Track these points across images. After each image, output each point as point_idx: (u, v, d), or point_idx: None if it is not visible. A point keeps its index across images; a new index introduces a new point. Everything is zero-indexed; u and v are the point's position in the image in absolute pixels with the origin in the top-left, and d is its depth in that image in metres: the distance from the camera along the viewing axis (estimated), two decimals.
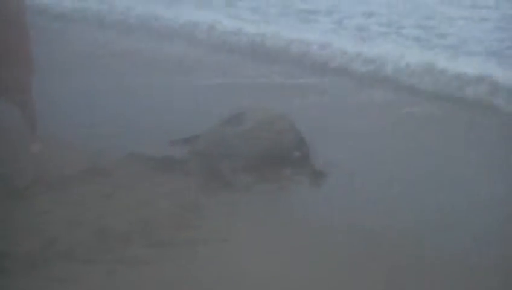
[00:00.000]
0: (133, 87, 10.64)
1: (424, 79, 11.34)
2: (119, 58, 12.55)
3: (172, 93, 10.60)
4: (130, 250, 5.85)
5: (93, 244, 5.90)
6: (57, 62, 11.35)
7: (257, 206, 6.86)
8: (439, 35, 14.24)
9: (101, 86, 10.50)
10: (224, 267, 5.66)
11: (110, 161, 7.63)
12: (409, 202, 6.94)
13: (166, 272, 5.56)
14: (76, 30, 15.51)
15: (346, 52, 12.66)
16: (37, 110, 7.86)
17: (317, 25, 15.45)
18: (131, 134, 8.58)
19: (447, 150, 8.24)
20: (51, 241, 6.00)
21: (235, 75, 11.80)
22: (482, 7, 16.30)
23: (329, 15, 16.40)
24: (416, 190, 7.18)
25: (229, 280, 5.50)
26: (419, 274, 5.63)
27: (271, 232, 6.29)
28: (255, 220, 6.50)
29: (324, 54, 12.88)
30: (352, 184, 7.37)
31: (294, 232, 6.30)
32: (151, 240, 6.00)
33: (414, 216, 6.64)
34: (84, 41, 14.05)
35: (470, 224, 6.48)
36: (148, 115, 9.41)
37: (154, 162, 7.65)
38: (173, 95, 10.42)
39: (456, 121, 9.49)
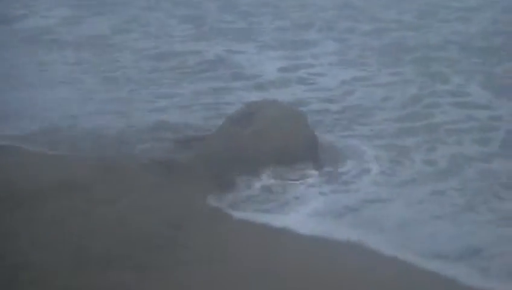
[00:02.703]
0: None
1: None
2: None
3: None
4: (110, 274, 6.01)
5: (69, 268, 6.02)
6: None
7: (259, 221, 7.28)
8: None
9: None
10: None
11: (89, 172, 7.83)
12: None
13: None
14: None
15: None
16: None
17: None
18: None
19: None
20: (20, 267, 5.96)
21: None
22: None
23: None
24: None
25: None
26: None
27: (274, 252, 6.63)
28: (255, 237, 6.85)
29: None
30: None
31: (301, 253, 6.72)
32: (134, 262, 6.14)
33: None
34: None
35: None
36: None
37: (142, 169, 8.01)
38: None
39: None
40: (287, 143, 8.59)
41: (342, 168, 9.05)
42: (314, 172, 8.60)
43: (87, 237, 6.54)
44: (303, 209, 8.02)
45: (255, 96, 11.27)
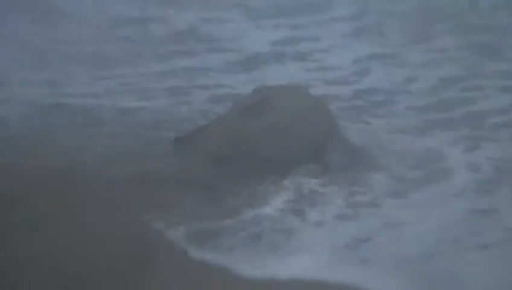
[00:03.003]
0: None
1: None
2: None
3: None
4: None
5: None
6: None
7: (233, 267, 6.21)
8: None
9: None
10: None
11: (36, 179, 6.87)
12: None
13: None
14: None
15: None
16: None
17: None
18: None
19: None
20: None
21: None
22: None
23: None
24: None
25: None
26: None
27: None
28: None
29: None
30: None
31: None
32: None
33: None
34: None
35: None
36: None
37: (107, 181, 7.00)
38: None
39: None
40: (308, 144, 7.89)
41: (349, 172, 8.05)
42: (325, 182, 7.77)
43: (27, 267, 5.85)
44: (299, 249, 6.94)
45: (238, 79, 10.31)
